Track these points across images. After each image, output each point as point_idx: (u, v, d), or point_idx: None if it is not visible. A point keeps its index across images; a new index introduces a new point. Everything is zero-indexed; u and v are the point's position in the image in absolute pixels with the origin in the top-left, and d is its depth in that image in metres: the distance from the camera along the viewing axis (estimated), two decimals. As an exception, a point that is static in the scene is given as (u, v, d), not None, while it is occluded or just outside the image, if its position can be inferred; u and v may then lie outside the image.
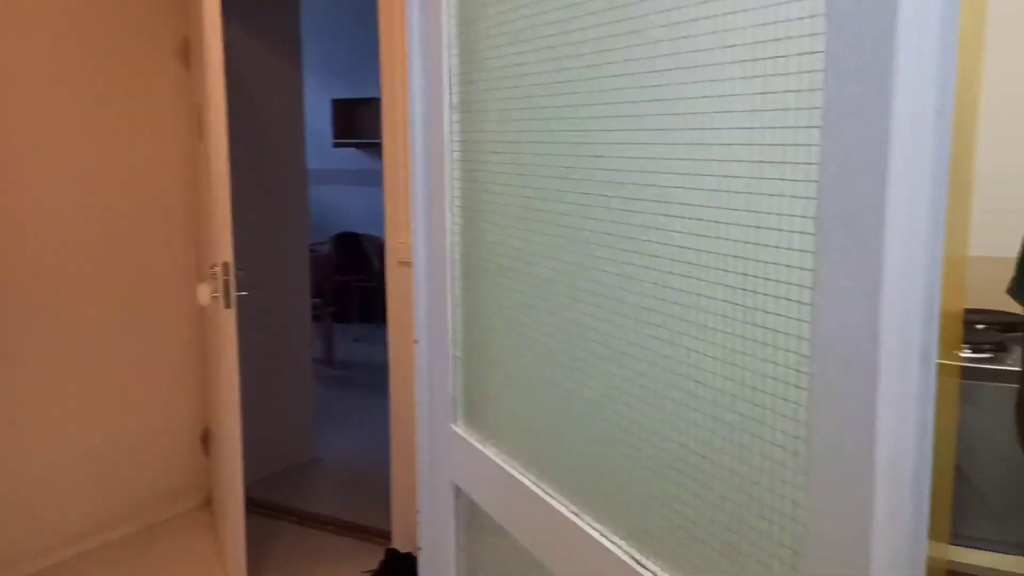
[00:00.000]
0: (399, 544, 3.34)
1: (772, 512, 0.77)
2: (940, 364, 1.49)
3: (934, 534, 1.50)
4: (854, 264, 0.67)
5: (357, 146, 7.91)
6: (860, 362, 0.66)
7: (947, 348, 1.58)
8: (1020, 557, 1.53)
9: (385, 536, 3.50)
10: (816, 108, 0.71)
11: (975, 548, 1.60)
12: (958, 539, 1.62)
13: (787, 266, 0.75)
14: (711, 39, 0.82)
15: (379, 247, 7.46)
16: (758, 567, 0.78)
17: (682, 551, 0.89)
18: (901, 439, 0.66)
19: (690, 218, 0.87)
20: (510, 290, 1.24)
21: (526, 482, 1.17)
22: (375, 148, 7.77)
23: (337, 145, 7.93)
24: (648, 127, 0.93)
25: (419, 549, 1.54)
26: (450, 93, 1.36)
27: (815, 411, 0.71)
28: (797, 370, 0.74)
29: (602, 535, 1.01)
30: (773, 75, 0.75)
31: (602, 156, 1.01)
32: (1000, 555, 1.58)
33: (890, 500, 0.66)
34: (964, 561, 1.58)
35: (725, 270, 0.82)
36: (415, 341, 1.51)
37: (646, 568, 0.93)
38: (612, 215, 0.99)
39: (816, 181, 0.71)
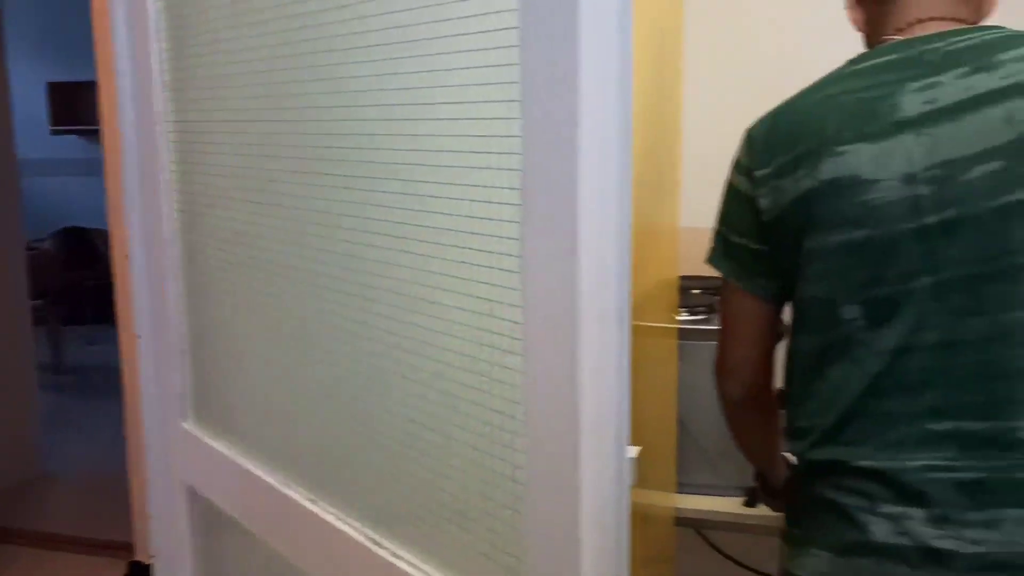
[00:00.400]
0: (143, 555, 3.13)
1: (494, 476, 0.79)
2: (660, 327, 1.60)
3: (662, 484, 1.62)
4: (554, 231, 0.69)
5: (80, 133, 7.26)
6: (563, 324, 0.69)
7: (666, 312, 1.70)
8: (734, 498, 1.68)
9: (128, 549, 3.27)
10: (515, 83, 0.73)
11: (698, 494, 1.75)
12: (684, 487, 1.75)
13: (497, 236, 0.77)
14: (417, 14, 0.82)
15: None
16: (484, 531, 0.80)
17: (416, 525, 0.90)
18: (602, 393, 0.70)
19: (407, 193, 0.87)
20: (237, 275, 1.18)
21: (260, 474, 1.13)
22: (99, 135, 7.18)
23: (56, 132, 7.23)
24: (365, 103, 0.92)
25: (153, 557, 1.44)
26: (161, 70, 1.28)
27: (528, 374, 0.73)
28: (512, 336, 0.76)
29: (339, 519, 1.00)
30: (475, 50, 0.77)
31: (322, 133, 0.98)
32: (719, 498, 1.73)
33: (595, 449, 0.70)
34: (690, 507, 1.72)
35: (442, 243, 0.83)
36: (137, 336, 1.41)
37: (383, 547, 0.93)
38: (333, 193, 0.97)
39: (519, 153, 0.73)
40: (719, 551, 1.89)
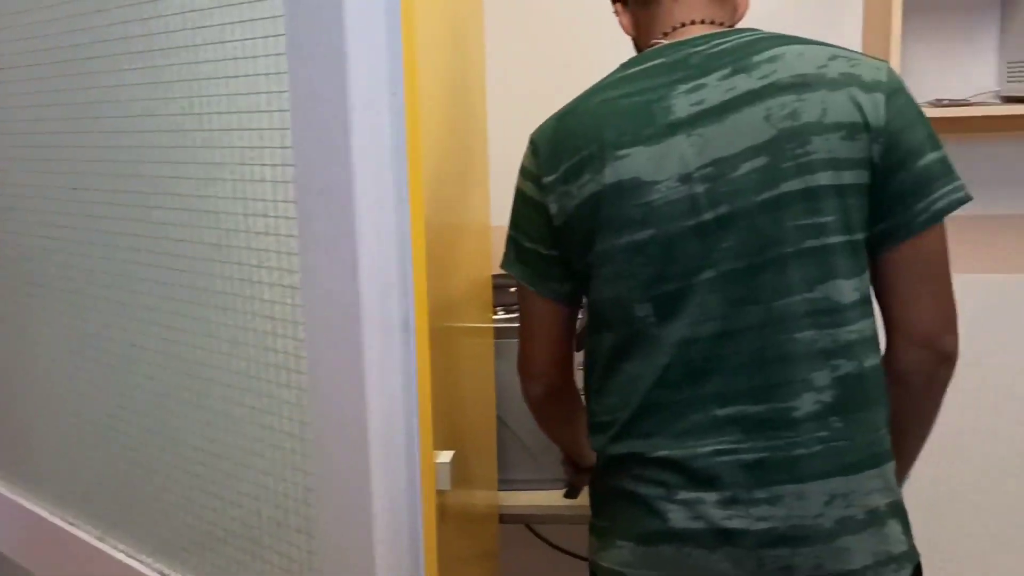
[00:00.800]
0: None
1: (287, 500, 0.76)
2: (474, 327, 1.60)
3: (483, 483, 1.62)
4: (333, 244, 0.68)
5: None
6: (347, 339, 0.68)
7: (480, 311, 1.71)
8: (553, 491, 1.72)
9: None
10: (284, 92, 0.70)
11: (522, 489, 1.76)
12: (509, 483, 1.77)
13: (276, 252, 0.74)
14: (180, 19, 0.78)
15: None
16: (278, 557, 0.78)
17: (208, 556, 0.86)
18: (390, 403, 0.68)
19: (183, 209, 0.82)
20: (8, 300, 1.09)
21: (44, 514, 1.05)
22: None
23: None
24: (133, 113, 0.86)
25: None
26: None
27: (315, 393, 0.71)
28: (296, 355, 0.74)
29: (129, 555, 0.94)
30: (243, 58, 0.74)
31: (94, 146, 0.92)
32: (542, 492, 1.75)
33: (386, 464, 0.68)
34: (512, 503, 1.73)
35: (221, 261, 0.80)
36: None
37: (176, 581, 0.89)
38: (109, 211, 0.91)
39: (293, 165, 0.71)
40: (549, 543, 1.92)
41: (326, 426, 0.70)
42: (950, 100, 1.79)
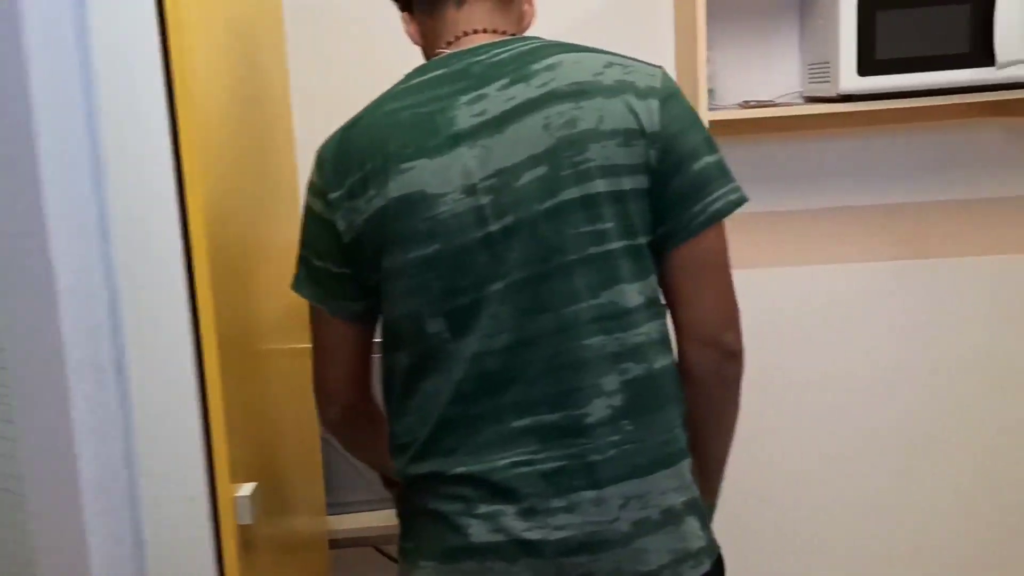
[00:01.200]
0: None
1: (7, 561, 0.69)
2: (293, 348, 1.53)
3: (306, 509, 1.56)
4: (28, 279, 0.61)
5: None
6: (53, 384, 0.61)
7: (296, 331, 1.64)
8: (386, 511, 1.67)
9: None
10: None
11: (357, 511, 1.71)
12: (343, 507, 1.71)
13: (-20, 289, 0.67)
14: None
15: None
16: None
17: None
18: (106, 450, 0.62)
19: None
20: None
21: None
22: None
23: None
24: None
25: None
26: None
27: (23, 443, 0.64)
28: (4, 403, 0.66)
29: None
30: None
31: None
32: (379, 512, 1.70)
33: (103, 513, 0.63)
34: (351, 526, 1.67)
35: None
36: None
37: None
38: None
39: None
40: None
41: (39, 479, 0.64)
42: (756, 102, 1.85)
